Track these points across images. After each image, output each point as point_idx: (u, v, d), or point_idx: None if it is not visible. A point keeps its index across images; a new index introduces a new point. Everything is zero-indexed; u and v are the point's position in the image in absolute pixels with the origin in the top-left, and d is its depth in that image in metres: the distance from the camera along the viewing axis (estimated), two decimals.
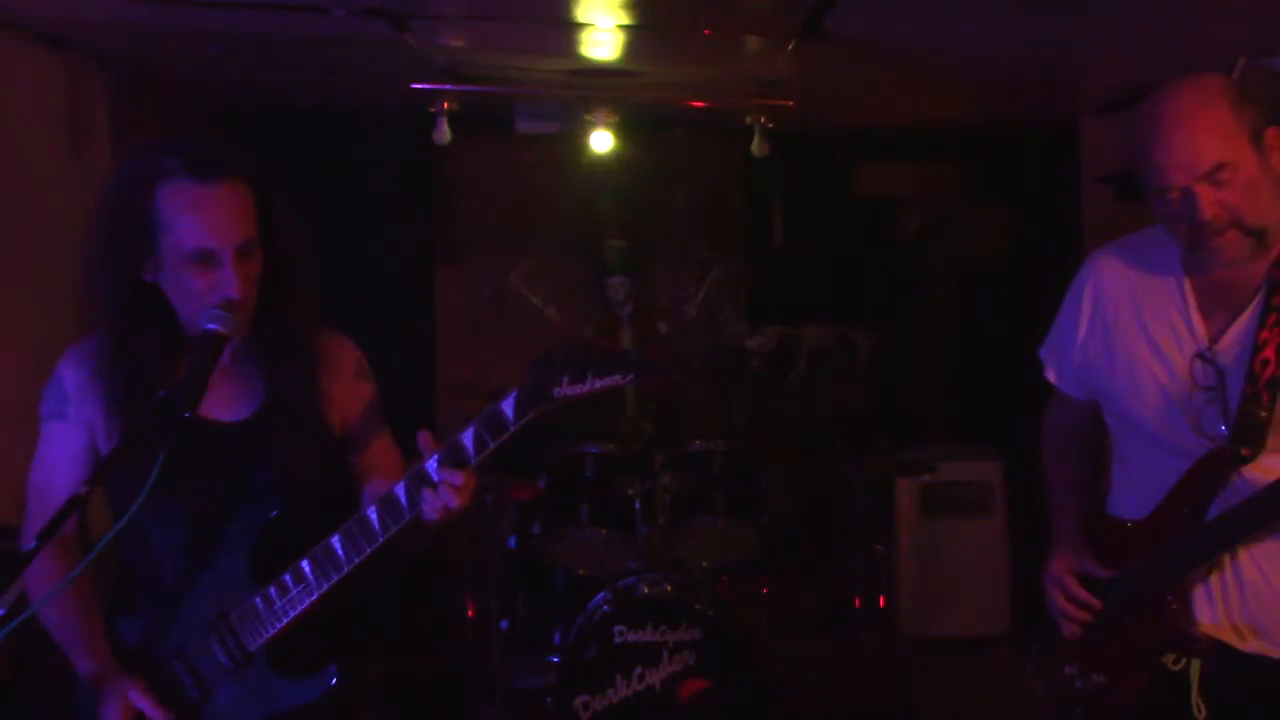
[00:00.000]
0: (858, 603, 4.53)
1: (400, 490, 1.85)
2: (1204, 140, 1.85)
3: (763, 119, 5.15)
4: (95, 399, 1.97)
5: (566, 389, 1.73)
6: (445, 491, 1.79)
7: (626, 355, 1.73)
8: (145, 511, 1.77)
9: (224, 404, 2.01)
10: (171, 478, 1.81)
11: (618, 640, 3.73)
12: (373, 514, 1.88)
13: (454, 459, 1.81)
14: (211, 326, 1.87)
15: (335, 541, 1.89)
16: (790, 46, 4.10)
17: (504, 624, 4.37)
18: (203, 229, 1.87)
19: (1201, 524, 1.99)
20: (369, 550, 1.89)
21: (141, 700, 1.92)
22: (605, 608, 3.78)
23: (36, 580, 1.95)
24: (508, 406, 1.77)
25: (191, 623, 1.98)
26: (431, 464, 1.83)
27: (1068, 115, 5.67)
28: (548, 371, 1.74)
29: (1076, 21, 3.73)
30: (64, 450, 1.99)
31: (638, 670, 3.72)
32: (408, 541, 1.96)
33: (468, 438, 1.80)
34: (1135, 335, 2.08)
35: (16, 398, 3.65)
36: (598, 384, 1.72)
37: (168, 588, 2.00)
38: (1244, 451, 1.94)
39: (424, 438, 1.83)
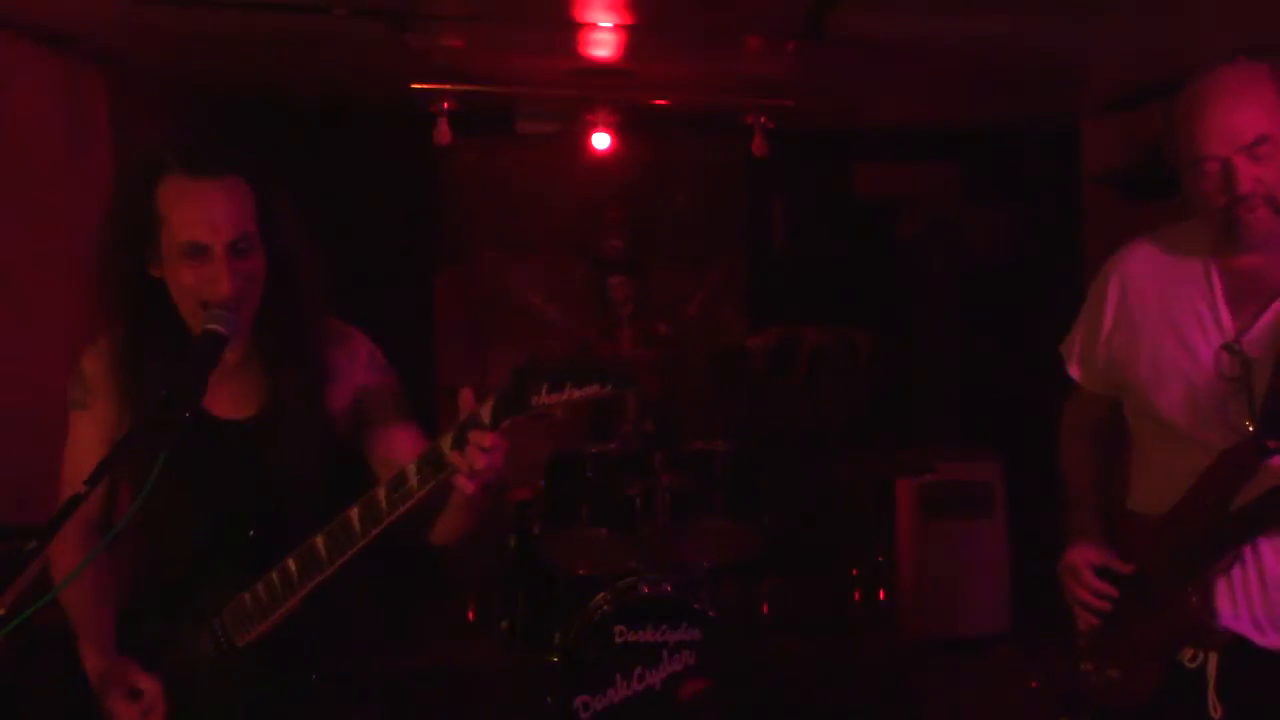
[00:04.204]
0: (858, 603, 4.53)
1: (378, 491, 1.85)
2: (1249, 113, 1.89)
3: (763, 119, 5.15)
4: (111, 395, 1.99)
5: (545, 398, 1.72)
6: (473, 453, 1.76)
7: (606, 365, 1.72)
8: (155, 508, 1.78)
9: (229, 402, 2.01)
10: (179, 475, 1.82)
11: (618, 640, 3.73)
12: (354, 513, 1.88)
13: (433, 464, 1.81)
14: (212, 326, 1.87)
15: (318, 540, 1.89)
16: (790, 46, 4.10)
17: (504, 624, 4.36)
18: (195, 223, 1.87)
19: (1224, 517, 1.99)
20: (354, 548, 1.88)
21: (134, 674, 1.94)
22: (605, 608, 3.78)
23: (63, 570, 1.99)
24: (485, 413, 1.77)
25: (191, 618, 1.99)
26: (412, 469, 1.82)
27: (1068, 115, 5.68)
28: (527, 379, 1.73)
29: (1077, 21, 3.73)
30: (87, 440, 2.01)
31: (638, 670, 3.72)
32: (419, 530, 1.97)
33: (446, 444, 1.79)
34: (1162, 327, 2.08)
35: (16, 398, 3.67)
36: (576, 394, 1.71)
37: (175, 584, 2.01)
38: (1270, 444, 1.94)
39: (465, 395, 1.80)
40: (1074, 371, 2.28)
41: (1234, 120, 1.88)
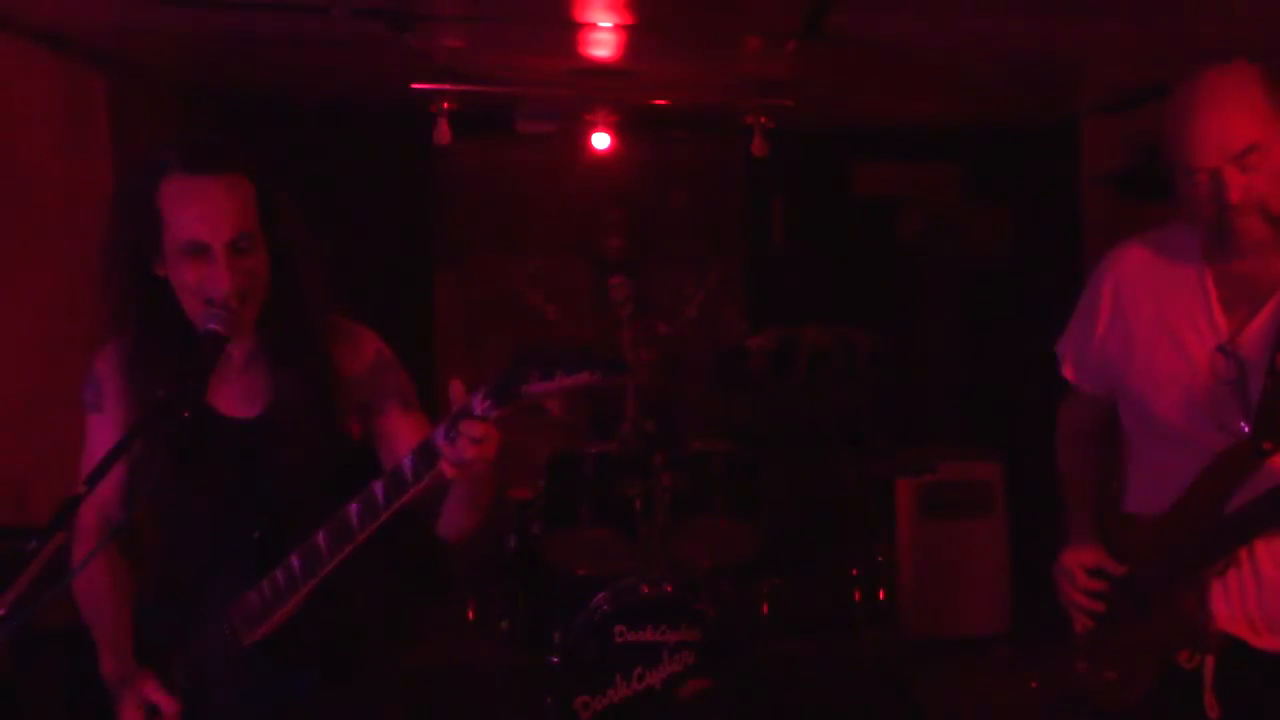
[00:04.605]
0: (858, 603, 4.53)
1: (406, 463, 1.85)
2: (1237, 122, 1.86)
3: (763, 119, 5.15)
4: (123, 396, 1.99)
5: (535, 386, 1.72)
6: (463, 443, 1.76)
7: (594, 353, 1.72)
8: (164, 507, 1.79)
9: (237, 400, 2.02)
10: (187, 473, 1.83)
11: (618, 640, 3.73)
12: (353, 508, 1.88)
13: (427, 457, 1.81)
14: (212, 326, 1.87)
15: (319, 536, 1.90)
16: (790, 46, 4.10)
17: (504, 624, 4.36)
18: (195, 222, 1.87)
19: (1220, 519, 1.98)
20: (353, 543, 1.89)
21: (153, 692, 1.94)
22: (605, 608, 3.78)
23: (82, 573, 1.97)
24: (476, 403, 1.77)
25: (201, 617, 2.00)
26: (408, 462, 1.84)
27: (1068, 115, 5.68)
28: (517, 368, 1.73)
29: (1077, 21, 3.73)
30: (103, 442, 2.00)
31: (638, 670, 3.72)
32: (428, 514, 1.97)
33: (439, 435, 1.80)
34: (1155, 329, 2.07)
35: (16, 398, 3.66)
36: (567, 381, 1.71)
37: (185, 582, 2.02)
38: (1265, 446, 1.93)
39: (455, 386, 1.81)
40: (1068, 373, 2.28)
41: (1222, 130, 1.87)
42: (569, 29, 4.05)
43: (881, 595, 4.67)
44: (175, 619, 2.01)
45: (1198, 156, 1.89)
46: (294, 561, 1.92)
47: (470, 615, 4.53)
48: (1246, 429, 1.96)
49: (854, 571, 4.58)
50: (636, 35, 4.16)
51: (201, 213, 1.88)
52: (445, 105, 4.95)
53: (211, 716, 2.00)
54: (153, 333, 1.96)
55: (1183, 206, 1.98)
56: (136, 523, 1.89)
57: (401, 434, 2.06)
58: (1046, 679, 2.27)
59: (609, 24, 3.98)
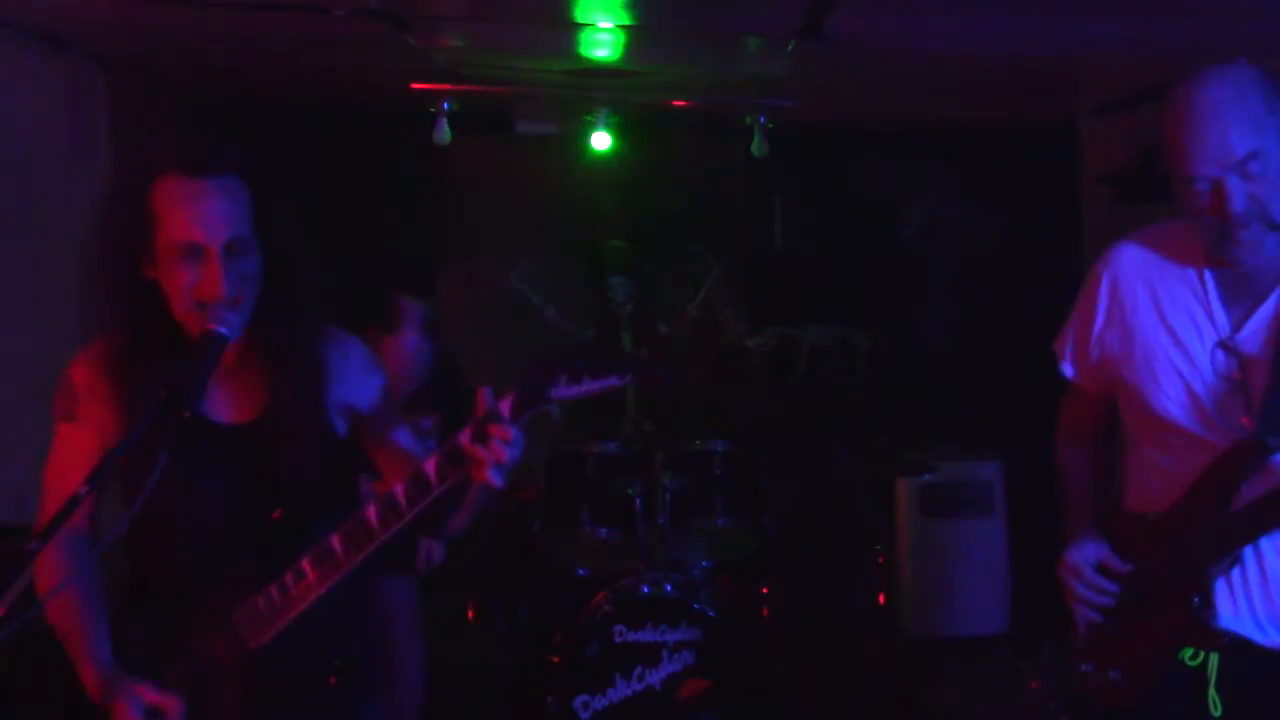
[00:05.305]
0: (858, 603, 4.53)
1: (428, 467, 1.85)
2: (1236, 131, 1.85)
3: (763, 119, 5.15)
4: (104, 400, 1.97)
5: (563, 389, 1.74)
6: (494, 446, 1.78)
7: (623, 356, 1.75)
8: (154, 512, 1.78)
9: (229, 406, 2.01)
10: (179, 478, 1.82)
11: (618, 640, 3.73)
12: (372, 512, 1.88)
13: (453, 460, 1.82)
14: (213, 326, 1.87)
15: (334, 540, 1.90)
16: (790, 46, 4.10)
17: (504, 624, 4.36)
18: (191, 223, 1.87)
19: (1225, 516, 1.98)
20: (373, 545, 1.89)
21: (151, 694, 1.92)
22: (605, 608, 3.78)
23: (46, 581, 1.96)
24: (505, 406, 1.77)
25: (199, 623, 1.98)
26: (430, 466, 1.84)
27: (1068, 115, 5.67)
28: (545, 372, 1.75)
29: (1077, 21, 3.73)
30: (75, 451, 1.99)
31: (638, 670, 3.72)
32: (439, 524, 1.98)
33: (465, 438, 1.80)
34: (1154, 325, 2.07)
35: (17, 399, 3.66)
36: (594, 385, 1.74)
37: (176, 588, 2.00)
38: (1271, 442, 1.93)
39: (482, 392, 1.82)
40: (1067, 370, 2.27)
41: (1222, 139, 1.85)
42: (569, 29, 4.05)
43: (881, 595, 4.67)
44: (166, 628, 1.99)
45: (1198, 166, 1.87)
46: (305, 565, 1.91)
47: (470, 615, 4.53)
48: (1248, 424, 1.95)
49: (854, 571, 4.58)
50: (636, 35, 4.16)
51: (197, 214, 1.87)
52: (445, 105, 4.95)
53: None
54: (141, 335, 1.95)
55: (1183, 210, 1.98)
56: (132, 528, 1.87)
57: (391, 438, 2.08)
58: (1047, 679, 2.26)
59: (609, 24, 3.98)
